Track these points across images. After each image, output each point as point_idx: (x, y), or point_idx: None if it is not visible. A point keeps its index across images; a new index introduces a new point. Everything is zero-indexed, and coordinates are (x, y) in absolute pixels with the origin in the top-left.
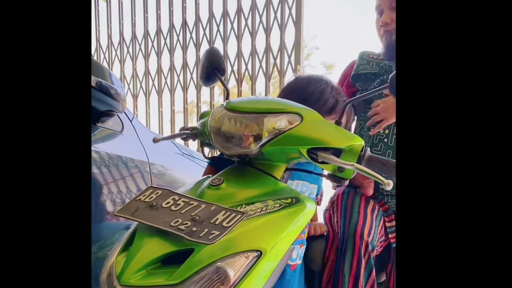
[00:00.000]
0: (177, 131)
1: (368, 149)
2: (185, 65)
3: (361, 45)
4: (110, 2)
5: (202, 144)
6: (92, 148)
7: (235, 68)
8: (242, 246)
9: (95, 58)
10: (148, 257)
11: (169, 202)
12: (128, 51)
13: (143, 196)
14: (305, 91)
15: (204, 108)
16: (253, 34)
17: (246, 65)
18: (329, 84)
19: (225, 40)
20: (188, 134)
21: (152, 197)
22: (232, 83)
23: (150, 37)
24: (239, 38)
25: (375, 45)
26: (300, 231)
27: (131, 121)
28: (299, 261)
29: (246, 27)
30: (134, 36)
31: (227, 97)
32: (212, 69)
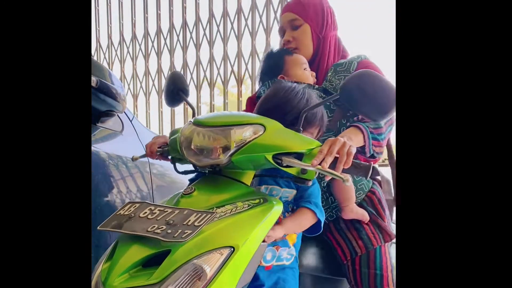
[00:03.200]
0: None
1: None
2: (185, 65)
3: (361, 45)
4: (110, 2)
5: (174, 160)
6: (92, 148)
7: (235, 68)
8: (216, 243)
9: (95, 58)
10: (129, 261)
11: (146, 212)
12: (128, 51)
13: (123, 210)
14: (271, 101)
15: (204, 108)
16: (253, 34)
17: (246, 65)
18: (299, 95)
19: (225, 40)
20: (160, 151)
21: (130, 210)
22: (232, 83)
23: (150, 37)
24: (239, 38)
25: (376, 45)
26: (270, 228)
27: (131, 121)
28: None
29: (246, 27)
30: (134, 36)
31: (193, 114)
32: (177, 90)
